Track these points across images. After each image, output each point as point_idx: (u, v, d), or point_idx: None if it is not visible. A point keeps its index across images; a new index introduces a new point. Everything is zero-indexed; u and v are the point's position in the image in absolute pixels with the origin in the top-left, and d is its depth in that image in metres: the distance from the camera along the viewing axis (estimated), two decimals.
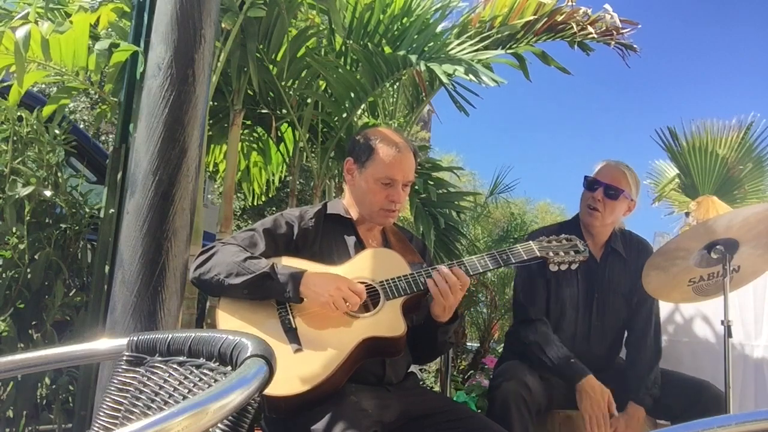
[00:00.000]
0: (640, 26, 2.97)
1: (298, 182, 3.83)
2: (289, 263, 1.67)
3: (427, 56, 2.51)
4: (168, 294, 1.64)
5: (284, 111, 2.98)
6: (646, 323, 2.28)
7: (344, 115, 2.92)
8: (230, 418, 0.86)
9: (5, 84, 2.20)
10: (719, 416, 0.78)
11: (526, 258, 1.80)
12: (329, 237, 1.82)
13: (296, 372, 1.51)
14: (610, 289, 2.30)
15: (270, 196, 3.81)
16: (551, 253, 1.82)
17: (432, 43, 2.62)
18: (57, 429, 2.12)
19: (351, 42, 2.78)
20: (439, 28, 2.79)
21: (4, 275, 2.04)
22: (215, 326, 1.62)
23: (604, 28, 2.93)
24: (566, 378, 2.08)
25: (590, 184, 2.28)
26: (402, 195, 1.81)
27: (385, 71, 2.72)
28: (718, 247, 1.99)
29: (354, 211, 1.87)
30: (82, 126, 7.80)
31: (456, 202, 3.25)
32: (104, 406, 1.10)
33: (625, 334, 2.37)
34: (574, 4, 2.93)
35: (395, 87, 3.35)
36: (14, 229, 2.05)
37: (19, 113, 2.12)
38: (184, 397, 0.94)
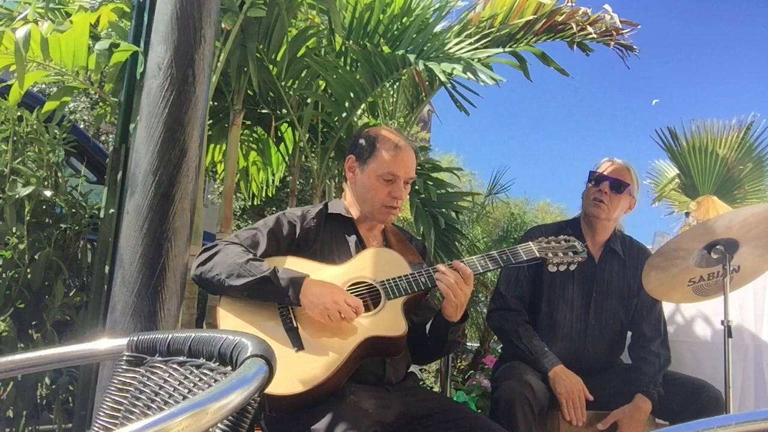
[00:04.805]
0: (639, 27, 2.98)
1: (298, 182, 3.83)
2: (290, 263, 1.66)
3: (425, 55, 2.51)
4: (168, 294, 1.64)
5: (284, 111, 2.99)
6: (655, 329, 2.28)
7: (344, 115, 2.92)
8: (230, 418, 0.86)
9: (5, 84, 2.20)
10: (719, 416, 0.78)
11: (526, 258, 1.82)
12: (330, 236, 1.82)
13: (297, 371, 1.51)
14: (608, 290, 2.30)
15: (270, 196, 3.81)
16: (550, 254, 1.84)
17: (431, 43, 2.62)
18: (57, 429, 2.12)
19: (350, 42, 2.78)
20: (438, 28, 2.79)
21: (4, 275, 2.04)
22: (216, 326, 1.62)
23: (604, 28, 2.94)
24: (540, 365, 2.11)
25: (596, 178, 2.32)
26: (403, 192, 1.82)
27: (384, 71, 2.72)
28: (718, 247, 1.99)
29: (355, 210, 1.87)
30: (82, 126, 7.79)
31: (455, 202, 3.25)
32: (104, 406, 1.10)
33: (629, 340, 2.37)
34: (573, 4, 2.94)
35: (395, 87, 3.35)
36: (14, 229, 2.05)
37: (19, 113, 2.12)
38: (184, 397, 0.94)
